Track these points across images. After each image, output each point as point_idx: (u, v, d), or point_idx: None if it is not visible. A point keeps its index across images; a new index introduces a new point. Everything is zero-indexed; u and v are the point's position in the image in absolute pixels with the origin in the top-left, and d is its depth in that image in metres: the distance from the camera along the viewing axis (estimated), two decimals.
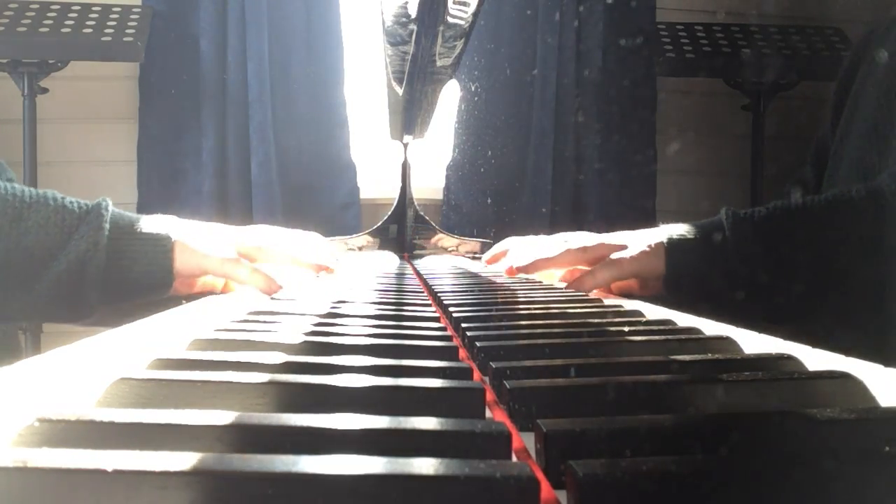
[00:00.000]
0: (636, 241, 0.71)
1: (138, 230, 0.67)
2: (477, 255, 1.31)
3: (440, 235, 1.31)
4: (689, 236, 0.69)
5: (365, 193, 1.92)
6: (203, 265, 0.69)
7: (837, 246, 0.66)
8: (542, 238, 0.88)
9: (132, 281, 0.67)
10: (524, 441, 0.25)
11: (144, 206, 1.74)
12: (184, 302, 0.76)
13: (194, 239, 0.70)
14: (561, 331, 0.44)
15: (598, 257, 0.73)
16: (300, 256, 0.78)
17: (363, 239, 1.29)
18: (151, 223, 0.69)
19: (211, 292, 0.78)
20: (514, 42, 1.91)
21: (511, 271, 0.80)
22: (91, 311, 0.67)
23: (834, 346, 0.38)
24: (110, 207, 0.68)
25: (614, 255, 0.71)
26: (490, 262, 0.80)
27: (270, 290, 0.68)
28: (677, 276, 0.68)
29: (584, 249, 0.74)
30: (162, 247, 0.67)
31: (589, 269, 0.73)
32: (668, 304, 0.67)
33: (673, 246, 0.69)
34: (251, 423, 0.22)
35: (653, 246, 0.70)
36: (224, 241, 0.72)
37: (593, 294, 0.70)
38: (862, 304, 0.67)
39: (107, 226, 0.66)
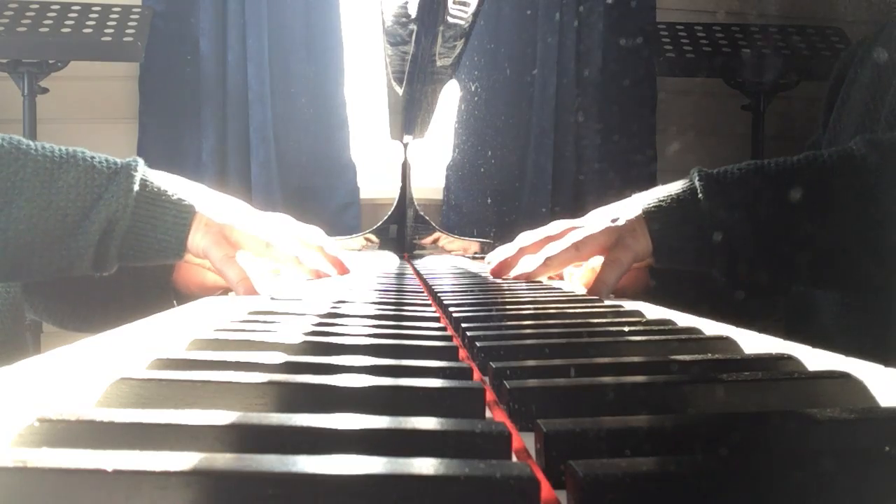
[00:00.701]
0: (618, 221, 0.72)
1: (164, 195, 0.68)
2: (477, 255, 1.31)
3: (440, 235, 1.31)
4: (664, 205, 0.70)
5: (365, 193, 1.92)
6: (207, 251, 0.70)
7: (812, 203, 0.67)
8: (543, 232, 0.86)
9: (146, 246, 0.68)
10: (524, 441, 0.25)
11: None
12: (197, 295, 0.77)
13: (213, 212, 0.70)
14: (561, 331, 0.44)
15: (592, 251, 0.73)
16: (304, 260, 0.78)
17: (363, 239, 1.29)
18: (179, 189, 0.70)
19: (214, 284, 0.79)
20: (514, 42, 1.92)
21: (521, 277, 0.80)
22: (110, 266, 0.68)
23: (831, 343, 0.38)
24: (140, 168, 0.69)
25: (612, 252, 0.71)
26: (494, 272, 0.80)
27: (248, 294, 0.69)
28: (664, 247, 0.69)
29: (577, 247, 0.74)
30: (182, 218, 0.68)
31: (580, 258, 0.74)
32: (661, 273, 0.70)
33: (651, 217, 0.70)
34: (251, 423, 0.22)
35: (634, 220, 0.70)
36: (241, 223, 0.73)
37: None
38: (833, 261, 0.68)
39: (136, 186, 0.67)
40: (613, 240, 0.71)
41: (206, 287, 0.80)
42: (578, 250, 0.73)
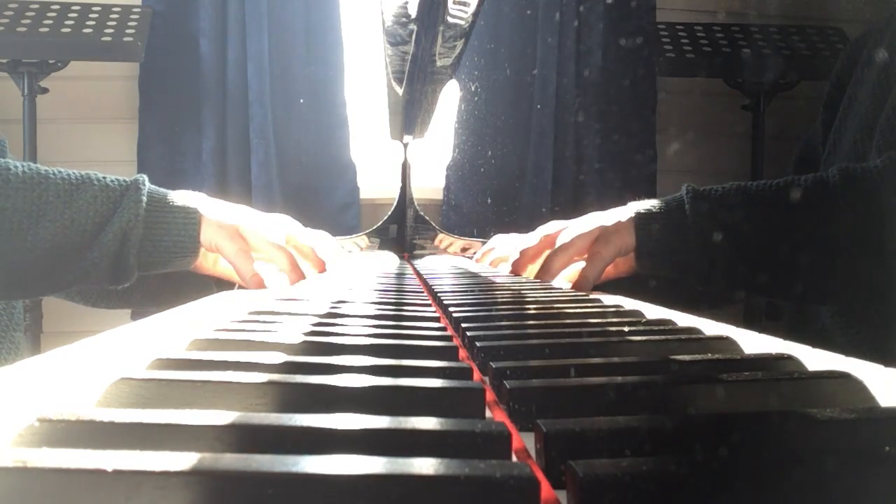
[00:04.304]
0: (608, 222, 0.77)
1: (171, 203, 0.75)
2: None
3: (440, 235, 1.31)
4: (654, 211, 0.76)
5: (365, 193, 1.92)
6: (222, 247, 0.75)
7: (784, 224, 0.73)
8: (524, 236, 0.91)
9: (163, 249, 0.74)
10: (524, 441, 0.25)
11: None
12: (214, 289, 0.81)
13: (220, 215, 0.77)
14: (561, 331, 0.44)
15: (581, 250, 0.78)
16: (303, 266, 0.81)
17: (363, 239, 1.29)
18: (182, 198, 0.77)
19: (229, 279, 0.82)
20: (514, 42, 1.91)
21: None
22: (131, 274, 0.74)
23: (831, 343, 0.38)
24: (146, 183, 0.75)
25: (595, 247, 0.76)
26: (479, 260, 0.85)
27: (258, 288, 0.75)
28: (646, 249, 0.75)
29: (565, 248, 0.78)
30: (191, 219, 0.75)
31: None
32: (642, 272, 0.77)
33: (641, 220, 0.75)
34: (251, 423, 0.22)
35: (623, 222, 0.76)
36: (247, 226, 0.78)
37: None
38: (799, 278, 0.73)
39: (144, 198, 0.73)
40: (597, 236, 0.76)
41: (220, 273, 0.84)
42: (568, 251, 0.78)
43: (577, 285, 0.75)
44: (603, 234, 0.76)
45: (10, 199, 0.68)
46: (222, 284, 0.83)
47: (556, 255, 0.78)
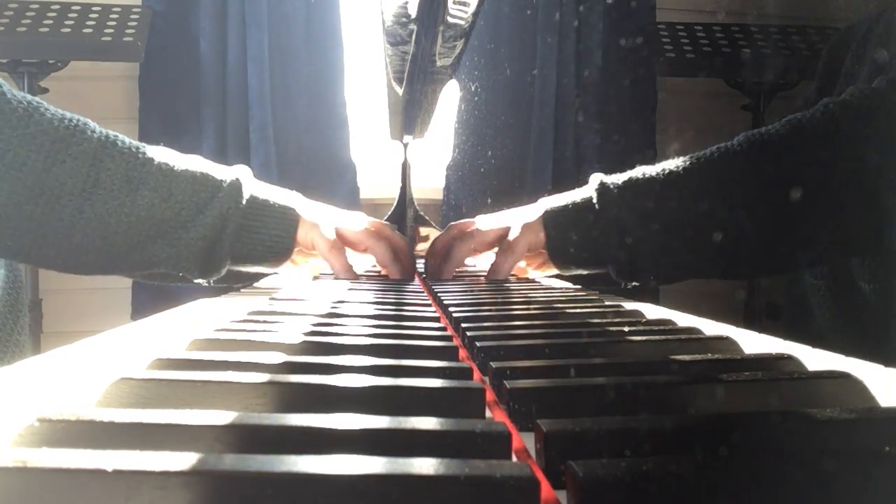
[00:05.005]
0: (518, 219, 0.78)
1: (271, 200, 0.75)
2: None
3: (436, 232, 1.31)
4: (562, 206, 0.76)
5: (365, 193, 1.92)
6: (317, 243, 0.76)
7: (691, 201, 0.71)
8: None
9: (259, 243, 0.74)
10: (524, 441, 0.25)
11: None
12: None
13: (315, 215, 0.78)
14: (561, 331, 0.44)
15: (483, 242, 0.81)
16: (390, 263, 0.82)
17: None
18: (283, 196, 0.77)
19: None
20: (514, 42, 1.91)
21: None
22: (222, 265, 0.73)
23: (831, 343, 0.38)
24: (250, 174, 0.76)
25: (506, 240, 0.77)
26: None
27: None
28: (557, 245, 0.75)
29: (473, 243, 0.80)
30: (289, 218, 0.75)
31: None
32: (561, 271, 0.77)
33: (549, 218, 0.75)
34: (251, 423, 0.22)
35: (533, 221, 0.76)
36: (343, 224, 0.80)
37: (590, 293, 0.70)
38: (714, 251, 0.72)
39: (245, 191, 0.73)
40: (506, 232, 0.78)
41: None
42: (474, 245, 0.80)
43: (489, 276, 0.78)
44: (514, 230, 0.77)
45: (114, 161, 0.67)
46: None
47: (457, 245, 0.80)
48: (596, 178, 0.75)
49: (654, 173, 0.74)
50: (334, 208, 0.84)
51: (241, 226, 0.72)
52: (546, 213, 0.76)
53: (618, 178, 0.74)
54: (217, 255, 0.72)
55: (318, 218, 0.78)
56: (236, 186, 0.72)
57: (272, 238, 0.74)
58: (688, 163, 0.73)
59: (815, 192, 0.68)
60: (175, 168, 0.70)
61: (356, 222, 0.82)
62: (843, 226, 0.69)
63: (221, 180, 0.72)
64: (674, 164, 0.74)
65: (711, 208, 0.70)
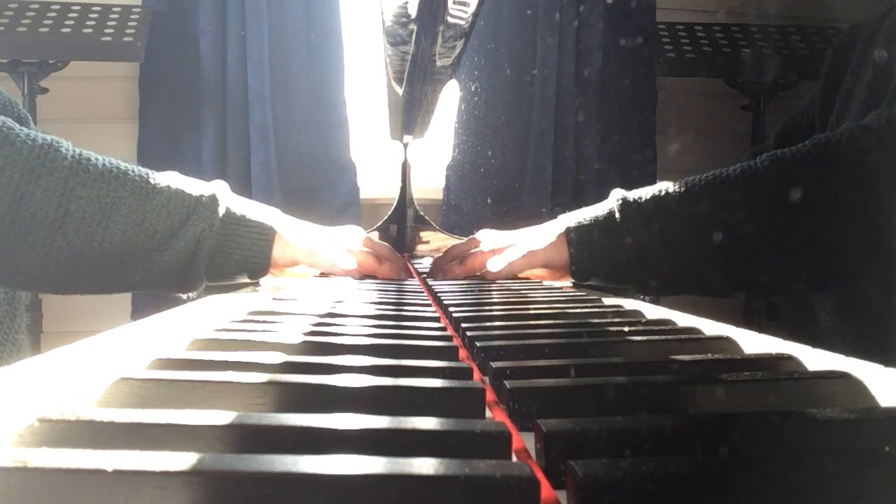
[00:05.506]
0: (541, 236, 0.79)
1: (247, 218, 0.75)
2: None
3: (440, 235, 1.31)
4: (585, 224, 0.76)
5: (365, 193, 1.92)
6: (295, 257, 0.77)
7: (714, 218, 0.71)
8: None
9: (234, 262, 0.74)
10: (524, 441, 0.25)
11: None
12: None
13: (292, 233, 0.78)
14: (561, 331, 0.44)
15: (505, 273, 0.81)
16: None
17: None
18: (259, 213, 0.77)
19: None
20: (514, 42, 1.91)
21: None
22: (199, 284, 0.74)
23: (831, 344, 0.38)
24: (226, 192, 0.75)
25: (529, 248, 0.78)
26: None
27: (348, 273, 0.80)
28: (581, 265, 0.76)
29: (495, 253, 0.81)
30: (265, 236, 0.75)
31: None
32: (579, 283, 0.78)
33: (572, 238, 0.76)
34: (251, 423, 0.22)
35: (556, 240, 0.77)
36: (320, 237, 0.80)
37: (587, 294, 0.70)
38: (735, 271, 0.73)
39: (220, 210, 0.73)
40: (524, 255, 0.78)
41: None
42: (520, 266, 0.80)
43: (490, 268, 0.80)
44: (538, 242, 0.78)
45: (86, 189, 0.67)
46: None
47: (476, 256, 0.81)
48: (617, 195, 0.76)
49: (675, 191, 0.74)
50: (311, 224, 0.84)
51: (216, 246, 0.73)
52: (568, 230, 0.76)
53: (640, 196, 0.75)
54: (192, 274, 0.73)
55: (293, 236, 0.78)
56: (211, 206, 0.72)
57: (246, 257, 0.74)
58: (710, 181, 0.73)
59: (838, 213, 0.68)
60: (149, 191, 0.70)
61: (331, 242, 0.81)
62: (865, 248, 0.69)
63: (197, 198, 0.72)
64: (694, 181, 0.74)
65: (737, 229, 0.70)
